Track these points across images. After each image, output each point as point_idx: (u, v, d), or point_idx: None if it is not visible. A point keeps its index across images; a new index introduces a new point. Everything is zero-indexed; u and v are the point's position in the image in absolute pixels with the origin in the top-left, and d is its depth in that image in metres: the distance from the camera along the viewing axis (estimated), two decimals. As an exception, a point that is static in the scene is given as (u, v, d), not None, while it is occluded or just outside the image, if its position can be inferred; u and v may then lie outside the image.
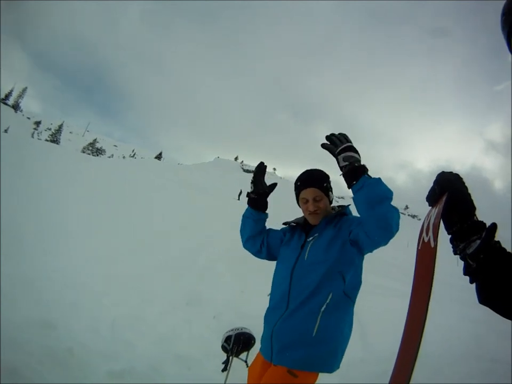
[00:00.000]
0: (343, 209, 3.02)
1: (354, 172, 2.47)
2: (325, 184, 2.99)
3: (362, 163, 2.52)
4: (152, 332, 5.74)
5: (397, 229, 2.45)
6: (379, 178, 2.48)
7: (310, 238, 2.93)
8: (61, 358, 4.48)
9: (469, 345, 7.38)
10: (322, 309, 2.58)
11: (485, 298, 1.36)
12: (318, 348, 2.57)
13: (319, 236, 2.87)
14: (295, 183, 3.12)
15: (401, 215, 2.69)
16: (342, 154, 2.53)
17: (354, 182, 2.46)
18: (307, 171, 3.16)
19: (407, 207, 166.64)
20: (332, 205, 3.12)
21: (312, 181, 3.01)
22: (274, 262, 3.23)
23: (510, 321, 1.31)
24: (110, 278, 7.46)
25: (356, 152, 2.57)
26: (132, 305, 6.53)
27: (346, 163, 2.50)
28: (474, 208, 1.50)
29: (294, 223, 3.21)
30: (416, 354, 1.37)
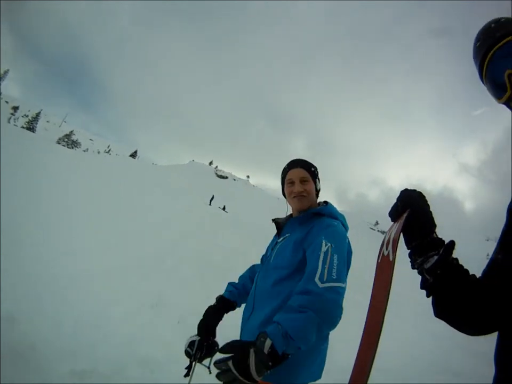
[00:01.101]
0: (321, 209, 2.77)
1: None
2: (312, 169, 2.90)
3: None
4: (116, 333, 5.70)
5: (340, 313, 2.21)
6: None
7: (281, 239, 2.86)
8: (22, 354, 4.43)
9: (432, 359, 7.49)
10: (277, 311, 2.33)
11: (440, 312, 1.44)
12: None
13: (289, 237, 2.76)
14: (283, 170, 3.01)
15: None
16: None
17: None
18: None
19: (377, 223, 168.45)
20: (318, 201, 2.98)
21: (299, 162, 2.94)
22: (239, 267, 3.18)
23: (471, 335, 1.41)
24: (76, 274, 7.42)
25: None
26: (97, 304, 6.49)
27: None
28: (434, 226, 1.57)
29: (277, 220, 3.06)
30: (372, 361, 1.41)
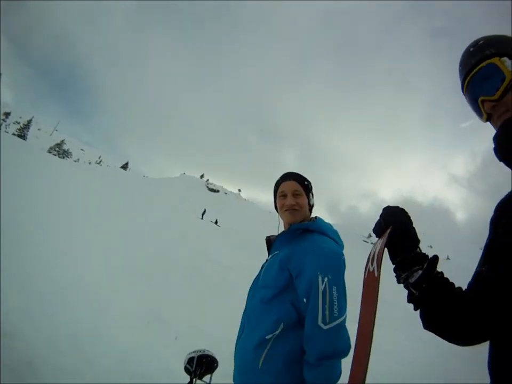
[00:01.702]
0: (309, 225, 2.68)
1: None
2: (306, 182, 2.85)
3: None
4: (112, 350, 5.59)
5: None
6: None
7: (270, 256, 2.82)
8: (20, 372, 4.37)
9: (423, 368, 7.50)
10: (271, 338, 2.39)
11: (428, 324, 1.50)
12: (263, 381, 2.36)
13: (277, 254, 2.69)
14: (275, 183, 2.96)
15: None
16: None
17: None
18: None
19: (370, 235, 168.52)
20: (311, 215, 2.90)
21: (292, 175, 2.88)
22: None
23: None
24: (69, 288, 7.27)
25: None
26: (92, 321, 6.36)
27: None
28: (417, 241, 1.61)
29: (270, 238, 3.00)
30: (365, 375, 1.41)
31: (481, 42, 1.55)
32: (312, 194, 2.89)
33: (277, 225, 2.98)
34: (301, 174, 2.92)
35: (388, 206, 1.76)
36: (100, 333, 6.01)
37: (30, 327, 5.37)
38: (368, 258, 1.75)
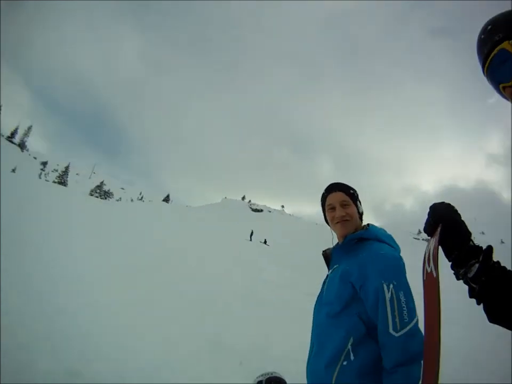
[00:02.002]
0: (362, 233, 2.59)
1: None
2: (351, 191, 2.75)
3: None
4: (179, 380, 5.47)
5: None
6: None
7: (330, 271, 2.75)
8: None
9: (492, 366, 7.34)
10: (342, 354, 2.30)
11: (493, 317, 1.41)
12: None
13: (337, 268, 2.63)
14: (321, 196, 2.89)
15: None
16: None
17: None
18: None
19: (420, 232, 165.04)
20: (362, 223, 2.79)
21: (337, 185, 2.79)
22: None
23: None
24: (128, 324, 7.28)
25: None
26: (157, 351, 6.33)
27: None
28: (469, 234, 1.56)
29: (327, 252, 2.91)
30: (438, 376, 1.35)
31: (489, 27, 1.48)
32: (360, 202, 2.82)
33: (325, 234, 2.94)
34: (345, 183, 2.85)
35: (435, 204, 1.72)
36: (164, 362, 5.97)
37: (95, 362, 5.38)
38: (424, 259, 1.72)
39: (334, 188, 2.78)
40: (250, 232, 49.66)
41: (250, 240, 44.76)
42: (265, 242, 46.24)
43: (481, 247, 1.50)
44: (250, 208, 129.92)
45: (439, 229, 1.59)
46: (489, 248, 1.46)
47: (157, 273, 12.65)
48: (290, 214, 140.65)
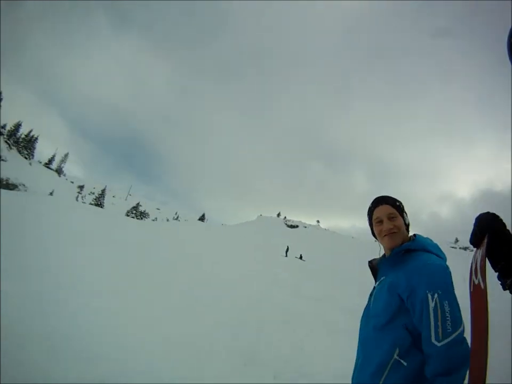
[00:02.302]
0: (410, 245, 2.58)
1: None
2: (397, 203, 2.78)
3: None
4: None
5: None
6: None
7: (377, 283, 2.77)
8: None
9: None
10: (387, 365, 2.35)
11: None
12: None
13: (384, 280, 2.64)
14: (368, 210, 2.93)
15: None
16: None
17: None
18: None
19: (457, 240, 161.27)
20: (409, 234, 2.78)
21: (383, 198, 2.83)
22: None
23: None
24: (164, 339, 7.25)
25: None
26: (187, 368, 6.28)
27: None
28: None
29: (372, 262, 2.98)
30: None
31: None
32: (406, 213, 2.84)
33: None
34: (391, 195, 2.90)
35: (481, 214, 1.72)
36: (197, 379, 5.93)
37: (127, 380, 5.36)
38: (471, 271, 1.75)
39: (380, 201, 2.83)
40: (286, 248, 49.27)
41: (286, 256, 44.40)
42: (300, 257, 45.92)
43: None
44: (286, 224, 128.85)
45: (485, 240, 1.59)
46: None
47: (196, 290, 12.72)
48: (325, 229, 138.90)
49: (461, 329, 2.14)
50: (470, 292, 1.73)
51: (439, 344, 2.11)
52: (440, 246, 2.70)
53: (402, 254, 2.56)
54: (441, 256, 2.57)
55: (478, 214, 1.75)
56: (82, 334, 6.31)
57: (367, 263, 3.02)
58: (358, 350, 2.74)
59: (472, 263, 1.75)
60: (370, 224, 2.89)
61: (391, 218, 2.69)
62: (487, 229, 1.60)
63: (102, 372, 5.25)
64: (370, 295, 2.81)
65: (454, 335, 2.11)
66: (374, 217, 2.80)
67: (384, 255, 2.84)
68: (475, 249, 1.74)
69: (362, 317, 2.82)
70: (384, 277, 2.67)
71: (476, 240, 1.69)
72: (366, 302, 2.87)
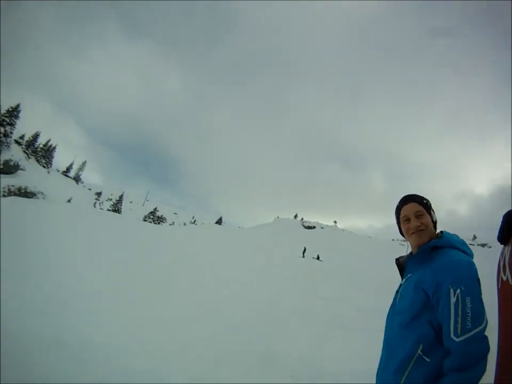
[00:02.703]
0: (437, 242, 2.60)
1: None
2: (424, 201, 2.80)
3: None
4: None
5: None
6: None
7: (403, 280, 2.81)
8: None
9: None
10: (411, 360, 2.38)
11: None
12: None
13: (410, 277, 2.67)
14: (396, 208, 2.96)
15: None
16: None
17: None
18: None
19: (475, 237, 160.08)
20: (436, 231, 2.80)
21: (410, 197, 2.86)
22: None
23: None
24: (180, 342, 7.34)
25: None
26: (204, 369, 6.35)
27: None
28: None
29: (400, 260, 3.00)
30: None
31: None
32: (433, 211, 2.85)
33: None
34: (419, 194, 2.91)
35: (509, 211, 1.71)
36: (212, 380, 5.98)
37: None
38: (499, 267, 1.77)
39: (407, 199, 2.86)
40: (303, 249, 49.30)
41: (303, 256, 44.33)
42: (318, 258, 45.72)
43: None
44: (303, 225, 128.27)
45: None
46: None
47: (203, 289, 12.90)
48: (342, 229, 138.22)
49: (482, 326, 2.13)
50: (498, 288, 1.76)
51: (457, 340, 2.13)
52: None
53: (429, 252, 2.58)
54: (468, 253, 2.57)
55: (496, 210, 1.74)
56: (83, 335, 6.47)
57: (394, 260, 3.04)
58: (382, 348, 2.77)
59: (500, 260, 1.77)
60: (398, 223, 2.92)
61: (418, 216, 2.71)
62: None
63: (104, 373, 5.34)
64: (397, 292, 2.83)
65: (473, 332, 2.11)
66: (402, 215, 2.83)
67: (411, 253, 2.86)
68: (502, 246, 1.78)
69: (388, 315, 2.84)
70: (410, 274, 2.69)
71: (504, 237, 1.70)
72: (391, 301, 2.89)
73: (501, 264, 1.72)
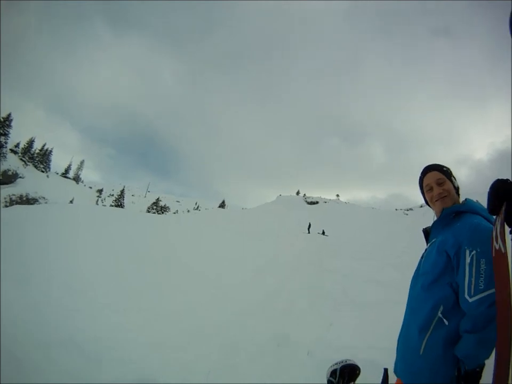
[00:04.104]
0: (459, 206, 2.75)
1: None
2: (444, 168, 2.92)
3: None
4: (245, 379, 5.53)
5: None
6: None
7: (428, 245, 2.88)
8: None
9: None
10: (432, 322, 2.47)
11: None
12: (423, 371, 2.46)
13: (434, 242, 2.75)
14: (419, 180, 3.07)
15: None
16: None
17: None
18: None
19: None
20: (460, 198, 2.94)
21: (431, 166, 2.98)
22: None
23: None
24: (194, 331, 7.42)
25: None
26: (222, 354, 6.45)
27: None
28: None
29: (427, 228, 3.07)
30: (510, 356, 1.37)
31: None
32: (455, 178, 2.95)
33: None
34: (438, 163, 3.00)
35: (495, 182, 1.72)
36: (230, 364, 6.06)
37: (162, 374, 5.47)
38: (492, 237, 1.83)
39: (428, 169, 2.99)
40: (308, 224, 49.62)
41: (309, 232, 44.69)
42: (323, 233, 45.61)
43: None
44: (306, 201, 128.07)
45: (503, 208, 1.61)
46: None
47: (216, 274, 13.12)
48: (346, 202, 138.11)
49: (493, 289, 2.10)
50: (493, 257, 1.80)
51: (470, 300, 2.23)
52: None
53: (453, 217, 2.69)
54: (489, 220, 2.57)
55: (496, 175, 1.76)
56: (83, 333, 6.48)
57: (421, 230, 3.11)
58: (406, 310, 2.89)
59: (492, 230, 1.84)
60: (422, 193, 3.05)
61: (439, 183, 2.85)
62: (504, 197, 1.62)
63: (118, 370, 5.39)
64: (422, 257, 2.91)
65: (486, 293, 2.17)
66: (424, 185, 2.97)
67: (435, 220, 2.91)
68: (495, 216, 1.80)
69: (412, 279, 2.94)
70: (435, 239, 2.78)
71: (493, 208, 1.72)
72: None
73: (493, 234, 1.77)
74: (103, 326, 6.99)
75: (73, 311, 7.34)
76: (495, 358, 1.60)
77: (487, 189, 1.75)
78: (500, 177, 1.74)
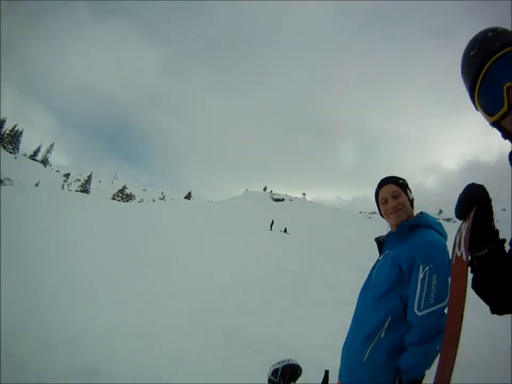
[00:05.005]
0: (416, 220, 2.75)
1: None
2: (400, 181, 2.89)
3: None
4: (194, 371, 5.52)
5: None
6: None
7: (381, 256, 2.87)
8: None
9: None
10: (378, 332, 2.49)
11: (475, 286, 1.55)
12: (364, 378, 2.48)
13: (388, 254, 2.75)
14: (374, 193, 3.04)
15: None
16: None
17: None
18: None
19: (441, 211, 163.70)
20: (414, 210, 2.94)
21: (387, 179, 2.95)
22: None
23: None
24: (144, 321, 7.39)
25: None
26: (170, 346, 6.38)
27: None
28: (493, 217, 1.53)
29: (379, 239, 3.06)
30: (453, 362, 1.36)
31: (500, 29, 1.41)
32: (410, 190, 2.95)
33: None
34: (394, 175, 3.00)
35: (468, 187, 1.63)
36: (178, 357, 5.97)
37: (110, 361, 5.42)
38: (455, 243, 1.69)
39: (384, 182, 2.96)
40: (271, 221, 50.26)
41: (271, 229, 45.31)
42: (285, 231, 46.47)
43: (497, 232, 1.51)
44: (272, 198, 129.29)
45: (472, 213, 1.54)
46: (503, 241, 1.50)
47: (172, 266, 13.15)
48: (311, 201, 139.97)
49: (443, 304, 2.24)
50: (452, 264, 1.69)
51: (419, 314, 2.27)
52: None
53: (408, 230, 2.70)
54: (442, 234, 2.69)
55: (464, 184, 1.66)
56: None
57: (374, 240, 3.11)
58: (352, 320, 2.87)
59: (456, 236, 1.71)
60: (378, 206, 3.03)
61: (394, 196, 2.82)
62: (475, 202, 1.55)
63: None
64: (373, 268, 2.92)
65: (435, 307, 2.24)
66: (380, 197, 2.94)
67: (390, 232, 2.97)
68: (461, 221, 1.70)
69: (361, 289, 2.93)
70: (388, 251, 2.77)
71: (462, 213, 1.63)
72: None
73: (457, 240, 1.66)
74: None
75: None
76: (438, 366, 1.56)
77: (453, 198, 1.69)
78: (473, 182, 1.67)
